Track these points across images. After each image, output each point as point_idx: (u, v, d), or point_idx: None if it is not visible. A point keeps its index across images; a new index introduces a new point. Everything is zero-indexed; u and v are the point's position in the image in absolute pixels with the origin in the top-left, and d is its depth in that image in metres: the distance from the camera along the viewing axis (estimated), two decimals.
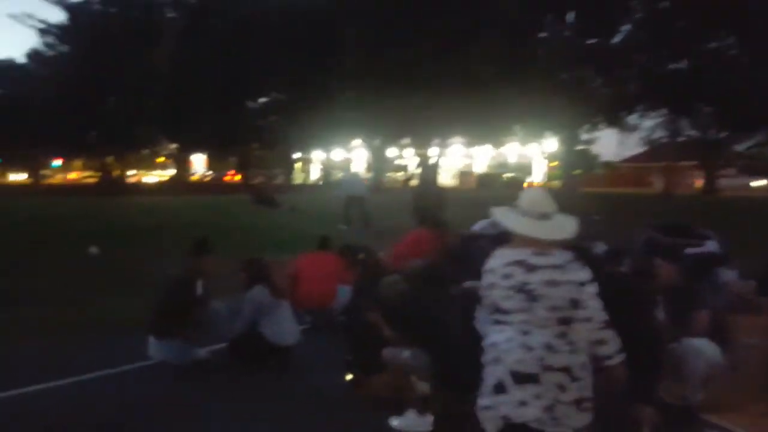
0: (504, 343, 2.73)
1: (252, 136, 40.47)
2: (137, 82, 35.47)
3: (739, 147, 35.91)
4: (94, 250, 10.07)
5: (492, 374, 2.74)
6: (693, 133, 33.95)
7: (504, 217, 2.86)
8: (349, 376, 4.61)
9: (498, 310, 2.79)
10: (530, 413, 2.61)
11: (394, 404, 4.05)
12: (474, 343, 5.15)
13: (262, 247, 11.05)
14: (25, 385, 4.78)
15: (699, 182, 35.97)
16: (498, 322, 2.80)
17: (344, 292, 6.22)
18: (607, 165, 42.40)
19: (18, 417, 4.27)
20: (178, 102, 34.68)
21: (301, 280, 6.38)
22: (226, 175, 50.87)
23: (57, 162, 61.65)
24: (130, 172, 60.02)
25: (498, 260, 2.84)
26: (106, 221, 13.86)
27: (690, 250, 7.53)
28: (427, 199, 11.04)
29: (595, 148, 36.66)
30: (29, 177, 53.92)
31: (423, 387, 4.03)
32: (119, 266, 9.26)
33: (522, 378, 2.65)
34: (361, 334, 4.51)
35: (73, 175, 64.46)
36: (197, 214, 16.27)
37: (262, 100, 41.74)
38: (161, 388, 4.83)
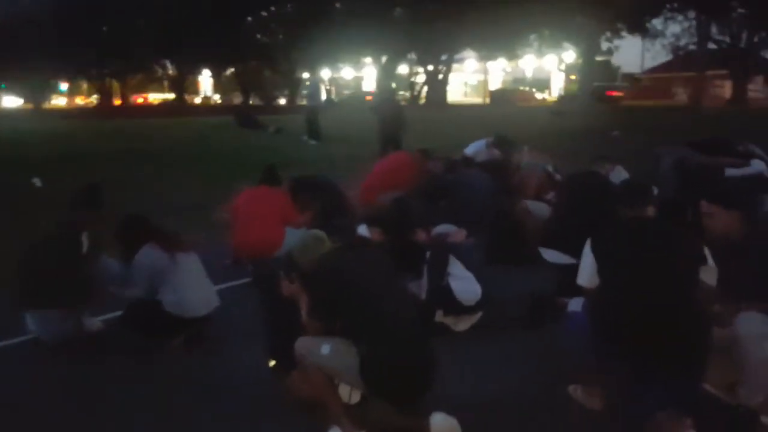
0: None
1: (253, 53, 38.34)
2: None
3: None
4: (37, 181, 8.84)
5: None
6: (722, 38, 32.10)
7: None
8: (272, 363, 3.38)
9: None
10: None
11: (320, 411, 2.84)
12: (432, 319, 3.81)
13: (240, 172, 9.88)
14: None
15: (725, 93, 34.05)
16: None
17: (295, 236, 4.90)
18: (629, 77, 40.21)
19: None
20: (174, 18, 32.50)
21: (238, 222, 5.05)
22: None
23: (63, 86, 59.98)
24: (136, 95, 58.46)
25: None
26: (71, 145, 12.65)
27: (731, 171, 6.20)
28: (385, 115, 9.68)
29: (615, 59, 34.89)
30: (31, 102, 52.26)
31: (354, 396, 2.80)
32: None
33: None
34: (275, 312, 3.24)
35: (79, 100, 63.01)
36: (180, 136, 15.08)
37: (263, 13, 39.41)
38: (35, 371, 3.69)
